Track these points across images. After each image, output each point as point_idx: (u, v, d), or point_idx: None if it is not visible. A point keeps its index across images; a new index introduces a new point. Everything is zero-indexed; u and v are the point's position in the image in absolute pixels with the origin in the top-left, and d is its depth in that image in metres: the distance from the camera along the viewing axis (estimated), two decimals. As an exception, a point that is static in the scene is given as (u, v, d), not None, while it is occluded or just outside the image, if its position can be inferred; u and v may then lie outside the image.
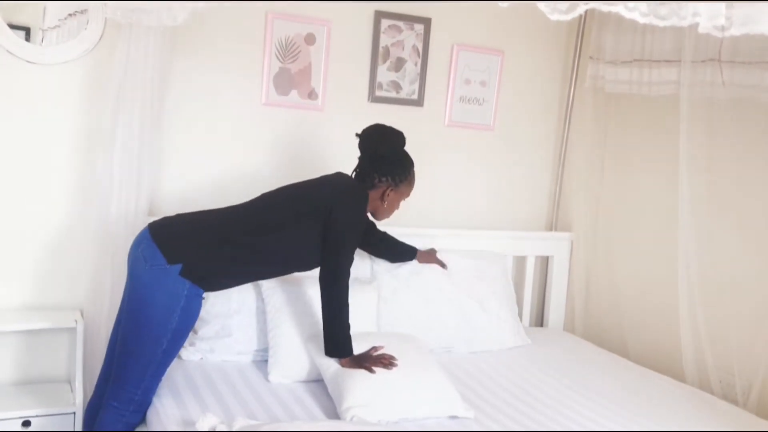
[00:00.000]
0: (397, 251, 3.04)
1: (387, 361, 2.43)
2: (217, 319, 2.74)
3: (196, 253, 2.31)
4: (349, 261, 2.46)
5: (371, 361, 2.43)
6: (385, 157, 2.57)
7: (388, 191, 2.58)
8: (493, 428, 2.34)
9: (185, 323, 2.31)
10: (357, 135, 2.60)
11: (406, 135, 3.32)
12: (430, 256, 3.13)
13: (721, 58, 2.76)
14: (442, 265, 3.12)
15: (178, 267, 2.26)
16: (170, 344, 2.30)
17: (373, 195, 2.58)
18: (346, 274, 2.44)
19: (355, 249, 2.51)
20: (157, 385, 2.37)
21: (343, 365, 2.42)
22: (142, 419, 2.37)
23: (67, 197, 2.77)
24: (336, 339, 2.43)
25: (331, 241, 2.43)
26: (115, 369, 2.36)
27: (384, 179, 2.57)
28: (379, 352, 2.49)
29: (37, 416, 2.57)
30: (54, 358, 2.84)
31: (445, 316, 3.05)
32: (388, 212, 2.66)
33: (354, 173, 2.63)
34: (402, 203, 2.68)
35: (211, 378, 2.55)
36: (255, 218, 2.44)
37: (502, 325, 3.22)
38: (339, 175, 2.63)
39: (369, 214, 2.66)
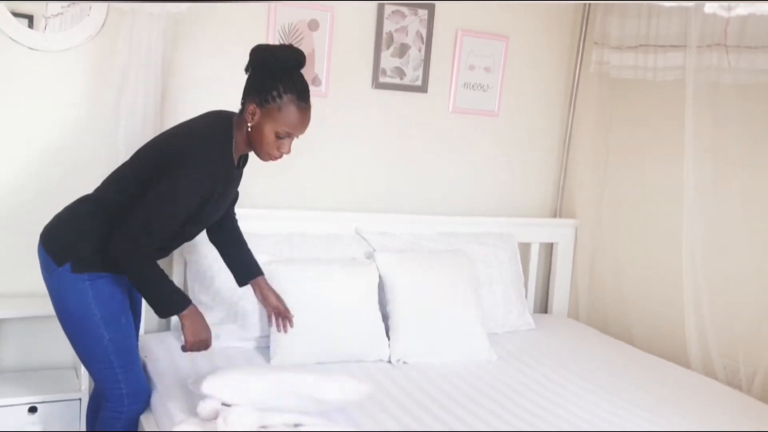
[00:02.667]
0: (235, 258, 2.52)
1: (201, 346, 2.21)
2: (222, 306, 2.75)
3: (79, 246, 2.17)
4: (162, 225, 2.10)
5: (201, 336, 2.19)
6: (262, 67, 2.15)
7: (251, 109, 2.14)
8: (495, 411, 2.35)
9: (109, 307, 2.20)
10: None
11: (410, 121, 3.35)
12: (275, 302, 2.51)
13: (727, 43, 2.74)
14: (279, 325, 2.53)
15: (68, 266, 2.16)
16: (110, 332, 2.20)
17: (242, 120, 2.19)
18: (150, 239, 2.09)
19: (178, 213, 2.11)
20: (137, 370, 2.31)
21: (184, 319, 2.15)
22: (146, 407, 2.37)
23: (70, 184, 2.77)
24: (160, 293, 2.14)
25: (152, 193, 2.08)
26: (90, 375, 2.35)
27: (252, 94, 2.15)
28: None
29: (43, 402, 2.59)
30: (59, 345, 2.83)
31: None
32: (258, 143, 2.18)
33: None
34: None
35: (215, 364, 2.56)
36: (120, 198, 2.20)
37: (508, 308, 3.24)
38: (198, 118, 2.26)
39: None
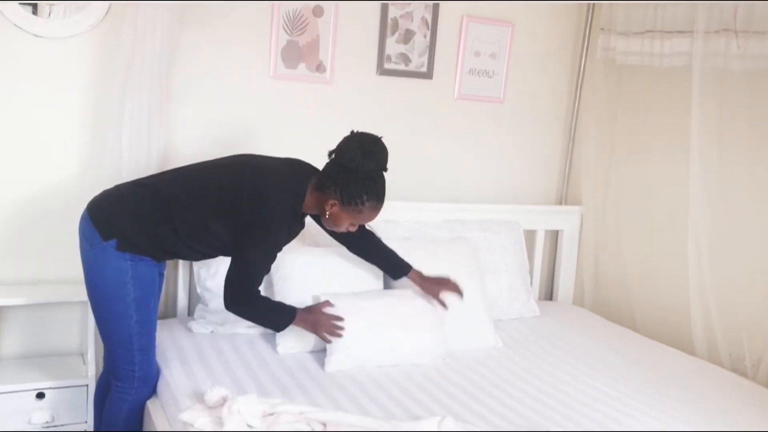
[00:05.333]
0: (384, 258, 2.72)
1: (335, 330, 2.46)
2: (227, 293, 2.75)
3: (127, 226, 2.24)
4: (261, 277, 2.29)
5: (324, 327, 2.45)
6: (348, 170, 2.21)
7: (331, 202, 2.24)
8: (499, 397, 2.36)
9: (144, 290, 2.28)
10: (351, 132, 2.30)
11: (415, 108, 3.34)
12: (435, 285, 2.72)
13: (736, 28, 2.71)
14: (443, 304, 2.72)
15: (113, 242, 2.21)
16: (139, 314, 2.27)
17: (320, 198, 2.28)
18: (257, 289, 2.29)
19: (270, 263, 2.31)
20: (153, 355, 2.38)
21: (298, 325, 2.43)
22: (153, 392, 2.40)
23: (76, 171, 2.78)
24: (275, 321, 2.41)
25: (241, 253, 2.24)
26: (105, 351, 2.40)
27: (334, 189, 2.23)
28: (327, 310, 2.51)
29: (50, 388, 2.60)
30: (66, 331, 2.87)
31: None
32: (332, 224, 2.33)
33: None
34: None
35: (221, 350, 2.58)
36: (180, 195, 2.28)
37: (513, 295, 3.24)
38: (277, 171, 2.33)
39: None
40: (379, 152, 2.24)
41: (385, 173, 2.27)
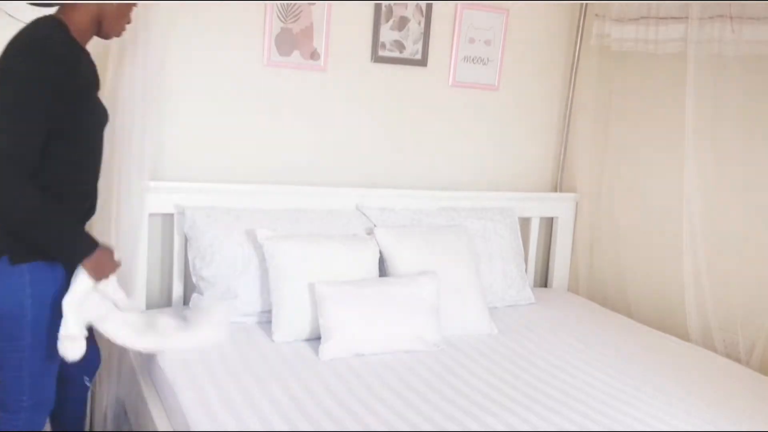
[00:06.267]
0: None
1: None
2: (223, 281, 2.75)
3: (12, 228, 1.89)
4: (14, 137, 1.81)
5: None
6: None
7: None
8: (495, 384, 2.37)
9: (43, 308, 1.95)
10: None
11: (410, 95, 3.33)
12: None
13: (731, 14, 2.71)
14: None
15: (5, 259, 1.89)
16: (34, 336, 1.96)
17: (89, 6, 2.03)
18: (11, 160, 1.80)
19: (33, 114, 1.84)
20: (47, 379, 2.05)
21: (87, 267, 1.97)
22: (46, 419, 2.16)
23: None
24: (58, 232, 1.92)
25: None
26: None
27: None
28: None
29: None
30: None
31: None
32: (118, 17, 2.10)
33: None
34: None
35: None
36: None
37: (508, 282, 3.25)
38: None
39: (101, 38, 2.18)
40: None
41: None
